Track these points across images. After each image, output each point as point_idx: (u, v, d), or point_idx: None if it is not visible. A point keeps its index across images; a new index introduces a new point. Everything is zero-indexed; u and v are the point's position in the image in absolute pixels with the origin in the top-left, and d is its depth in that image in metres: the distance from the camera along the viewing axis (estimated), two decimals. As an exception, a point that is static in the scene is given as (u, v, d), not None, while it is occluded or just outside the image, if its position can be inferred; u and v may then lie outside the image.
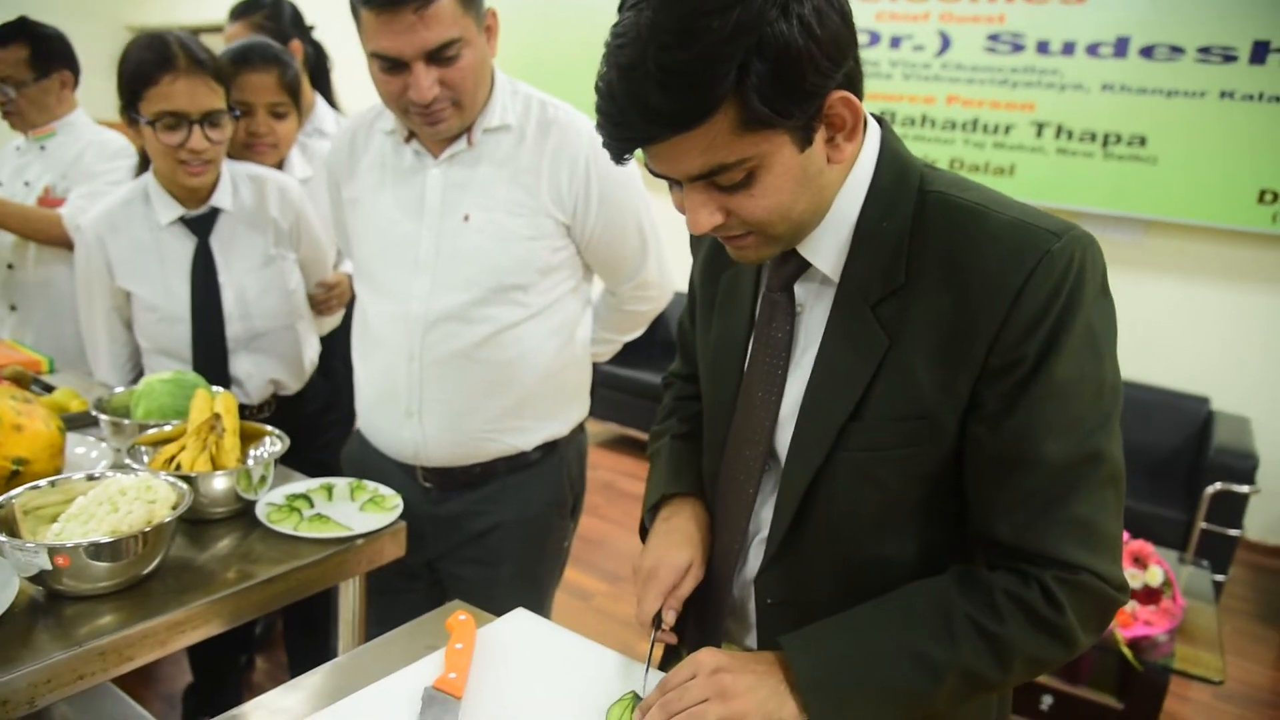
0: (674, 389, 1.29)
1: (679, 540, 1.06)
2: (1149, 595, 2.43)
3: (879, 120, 0.94)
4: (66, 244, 2.31)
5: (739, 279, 1.04)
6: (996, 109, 4.23)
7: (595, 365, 1.82)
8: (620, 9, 0.80)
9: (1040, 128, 4.14)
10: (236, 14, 2.62)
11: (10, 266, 2.54)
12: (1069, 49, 4.02)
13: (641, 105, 0.76)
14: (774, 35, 0.74)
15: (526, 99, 1.56)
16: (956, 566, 0.92)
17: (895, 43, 4.41)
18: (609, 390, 4.82)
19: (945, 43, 4.30)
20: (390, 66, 1.39)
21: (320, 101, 2.63)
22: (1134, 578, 2.42)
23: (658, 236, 1.69)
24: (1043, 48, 4.08)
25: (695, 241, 1.15)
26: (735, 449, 1.03)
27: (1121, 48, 3.91)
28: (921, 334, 0.87)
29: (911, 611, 0.88)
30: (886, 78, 4.45)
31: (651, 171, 0.86)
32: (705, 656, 0.90)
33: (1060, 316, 0.82)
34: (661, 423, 1.26)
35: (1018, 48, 4.13)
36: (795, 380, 0.96)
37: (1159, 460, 3.88)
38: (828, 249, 0.92)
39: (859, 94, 0.83)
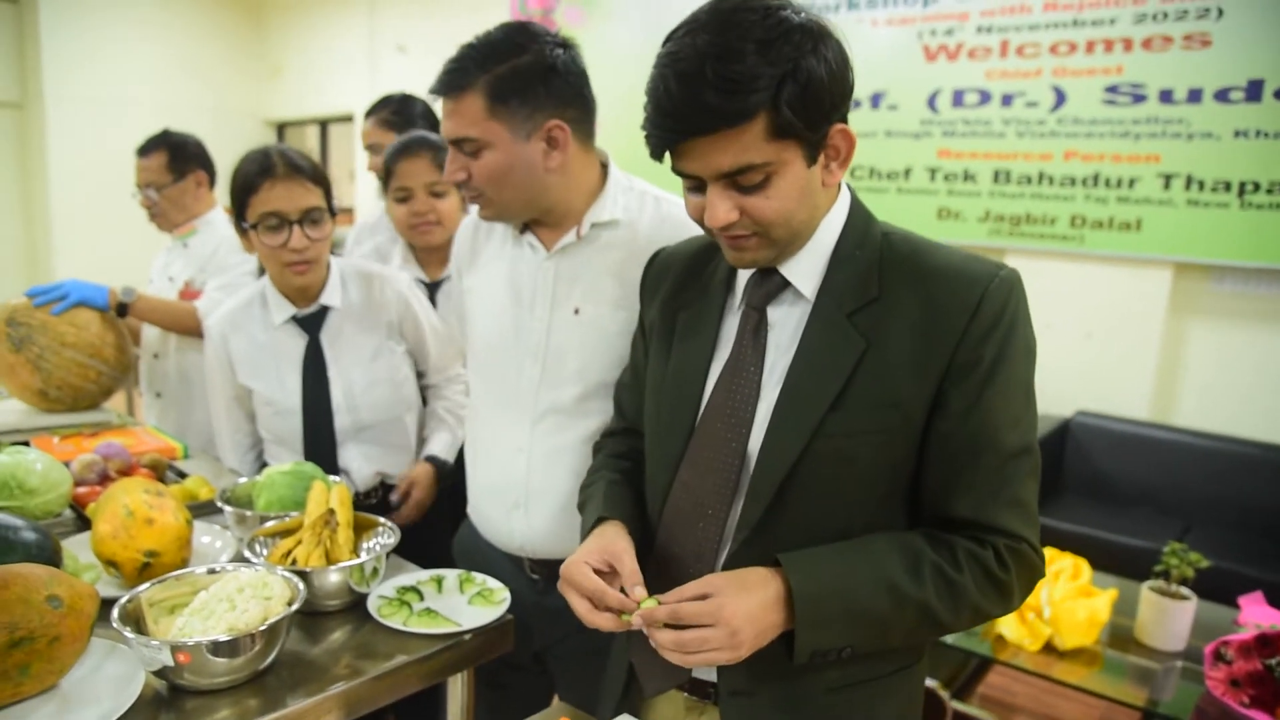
0: (604, 449, 1.39)
1: (597, 535, 1.15)
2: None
3: (847, 186, 1.15)
4: (200, 334, 2.46)
5: (701, 313, 1.20)
6: (1119, 162, 4.05)
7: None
8: (670, 38, 1.00)
9: (1168, 179, 3.94)
10: (369, 112, 2.82)
11: (156, 356, 2.72)
12: (1195, 96, 3.83)
13: (699, 103, 0.95)
14: (806, 66, 0.96)
15: (641, 195, 1.58)
16: (923, 528, 1.08)
17: (1007, 100, 4.30)
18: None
19: (1060, 98, 4.16)
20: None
21: None
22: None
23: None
24: (1166, 96, 3.90)
25: (647, 292, 1.32)
26: (703, 456, 1.13)
27: (1254, 91, 3.70)
28: (895, 337, 1.04)
29: (890, 550, 1.04)
30: (1000, 136, 4.34)
31: (677, 173, 1.04)
32: (726, 609, 0.97)
33: (1008, 328, 1.03)
34: (590, 477, 1.35)
35: (1139, 98, 3.97)
36: (768, 386, 1.10)
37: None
38: (807, 270, 1.10)
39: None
